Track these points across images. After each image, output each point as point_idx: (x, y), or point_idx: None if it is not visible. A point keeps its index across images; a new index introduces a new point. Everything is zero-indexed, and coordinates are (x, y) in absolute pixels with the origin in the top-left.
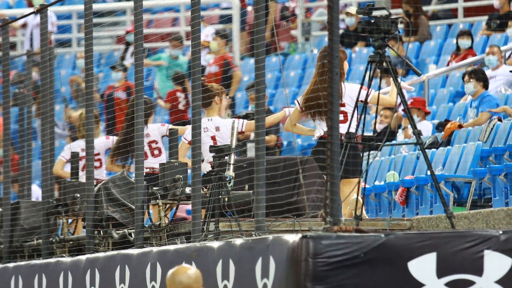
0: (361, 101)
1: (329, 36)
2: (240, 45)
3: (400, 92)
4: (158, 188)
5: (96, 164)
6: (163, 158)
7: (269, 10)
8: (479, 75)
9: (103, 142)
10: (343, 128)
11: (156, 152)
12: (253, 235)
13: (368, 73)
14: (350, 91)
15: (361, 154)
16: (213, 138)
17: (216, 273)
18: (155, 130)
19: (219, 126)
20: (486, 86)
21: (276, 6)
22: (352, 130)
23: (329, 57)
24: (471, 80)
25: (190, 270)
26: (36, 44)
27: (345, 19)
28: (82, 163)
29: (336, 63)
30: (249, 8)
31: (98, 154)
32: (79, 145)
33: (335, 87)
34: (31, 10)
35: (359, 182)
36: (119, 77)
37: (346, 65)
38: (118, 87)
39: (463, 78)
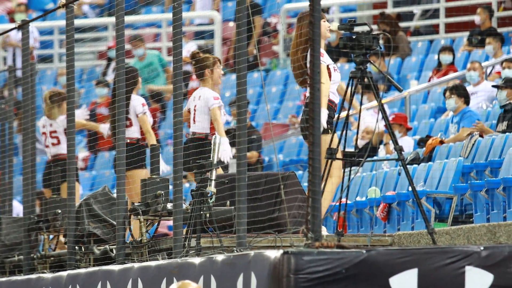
0: None
1: (310, 52)
2: (222, 60)
3: (381, 109)
4: (139, 204)
5: (54, 141)
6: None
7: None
8: (460, 91)
9: (62, 121)
10: None
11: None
12: (235, 251)
13: (349, 88)
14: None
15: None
16: (194, 107)
17: None
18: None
19: (200, 96)
20: (467, 102)
21: (260, 21)
22: None
23: (311, 72)
24: (452, 96)
25: (191, 286)
26: (18, 59)
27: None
28: (43, 138)
29: (318, 79)
30: (231, 24)
31: (55, 131)
32: (43, 121)
33: (317, 103)
34: (12, 25)
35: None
36: (103, 92)
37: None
38: (100, 103)
39: (444, 94)
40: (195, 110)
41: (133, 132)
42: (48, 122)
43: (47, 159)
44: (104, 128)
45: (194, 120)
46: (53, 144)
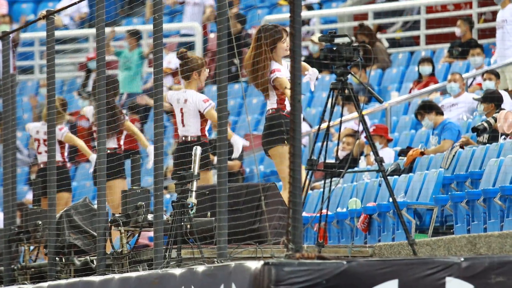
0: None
1: (291, 63)
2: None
3: (362, 120)
4: (120, 215)
5: (46, 148)
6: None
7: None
8: (427, 108)
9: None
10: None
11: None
12: (215, 262)
13: (330, 100)
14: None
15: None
16: (180, 110)
17: None
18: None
19: (187, 99)
20: (441, 113)
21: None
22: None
23: (292, 84)
24: (424, 115)
25: None
26: None
27: (309, 46)
28: (36, 144)
29: (299, 91)
30: (212, 35)
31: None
32: (35, 127)
33: (297, 114)
34: None
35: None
36: (85, 104)
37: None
38: (82, 115)
39: (416, 118)
40: (182, 113)
41: (110, 142)
42: (43, 129)
43: (37, 166)
44: (93, 159)
45: (182, 124)
46: (46, 152)
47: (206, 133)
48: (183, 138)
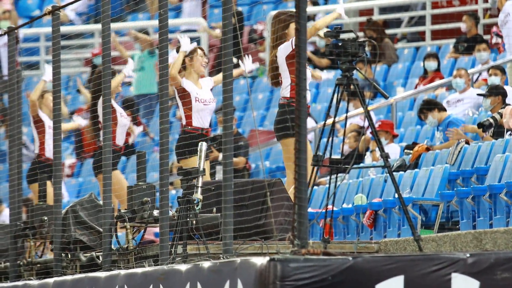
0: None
1: (296, 59)
2: (208, 67)
3: (367, 116)
4: (126, 210)
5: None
6: None
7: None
8: (429, 106)
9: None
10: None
11: None
12: (221, 258)
13: (335, 96)
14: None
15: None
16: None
17: None
18: None
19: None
20: (443, 109)
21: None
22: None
23: (297, 79)
24: (428, 115)
25: None
26: (4, 66)
27: (316, 41)
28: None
29: (304, 86)
30: (217, 31)
31: None
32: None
33: (303, 109)
34: None
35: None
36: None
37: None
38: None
39: (420, 118)
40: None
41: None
42: None
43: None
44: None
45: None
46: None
47: (194, 123)
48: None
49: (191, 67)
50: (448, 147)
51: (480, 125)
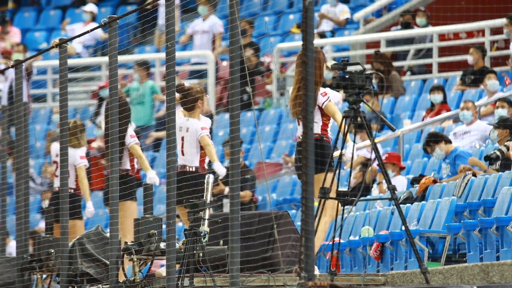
0: (318, 105)
1: (303, 91)
2: (215, 100)
3: (374, 148)
4: (132, 243)
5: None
6: None
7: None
8: (435, 139)
9: (72, 156)
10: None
11: None
12: None
13: (342, 128)
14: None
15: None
16: (182, 138)
17: None
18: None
19: (189, 128)
20: (449, 141)
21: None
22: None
23: (303, 111)
24: (434, 147)
25: None
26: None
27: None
28: (54, 167)
29: (311, 119)
30: (224, 63)
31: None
32: (56, 149)
33: (310, 142)
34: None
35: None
36: (100, 133)
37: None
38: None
39: (426, 151)
40: (182, 142)
41: (122, 164)
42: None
43: (51, 193)
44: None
45: (182, 153)
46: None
47: (206, 165)
48: (181, 166)
49: (200, 109)
50: (456, 179)
51: (487, 158)
